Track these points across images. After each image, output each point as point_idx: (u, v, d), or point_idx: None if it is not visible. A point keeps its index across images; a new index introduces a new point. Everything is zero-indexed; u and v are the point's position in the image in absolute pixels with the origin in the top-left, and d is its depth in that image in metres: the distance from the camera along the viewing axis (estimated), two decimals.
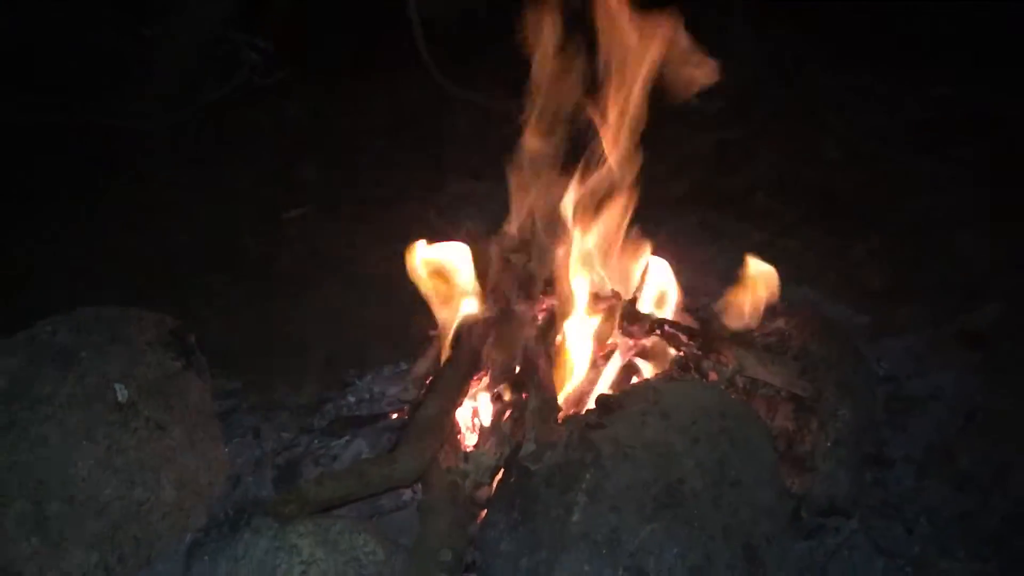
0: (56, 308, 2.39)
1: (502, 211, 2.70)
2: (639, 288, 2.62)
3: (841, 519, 2.25)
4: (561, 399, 2.32)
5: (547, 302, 2.66)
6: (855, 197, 3.95)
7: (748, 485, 1.97)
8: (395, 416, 2.57)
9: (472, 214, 3.61)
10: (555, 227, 2.58)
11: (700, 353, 2.39)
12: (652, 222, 2.71)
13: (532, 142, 2.54)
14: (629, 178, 2.51)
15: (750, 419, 2.17)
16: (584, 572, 1.79)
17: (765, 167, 4.10)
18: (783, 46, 5.25)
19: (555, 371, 2.41)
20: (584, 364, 2.48)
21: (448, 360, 2.45)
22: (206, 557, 2.07)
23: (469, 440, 2.37)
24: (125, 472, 2.11)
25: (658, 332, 2.48)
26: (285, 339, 3.06)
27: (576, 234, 2.56)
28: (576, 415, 2.18)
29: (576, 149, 2.56)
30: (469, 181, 4.11)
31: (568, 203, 2.55)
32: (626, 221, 2.56)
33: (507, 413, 2.34)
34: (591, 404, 2.19)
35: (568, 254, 2.54)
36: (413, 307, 2.63)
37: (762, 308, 2.59)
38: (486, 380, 2.49)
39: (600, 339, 2.51)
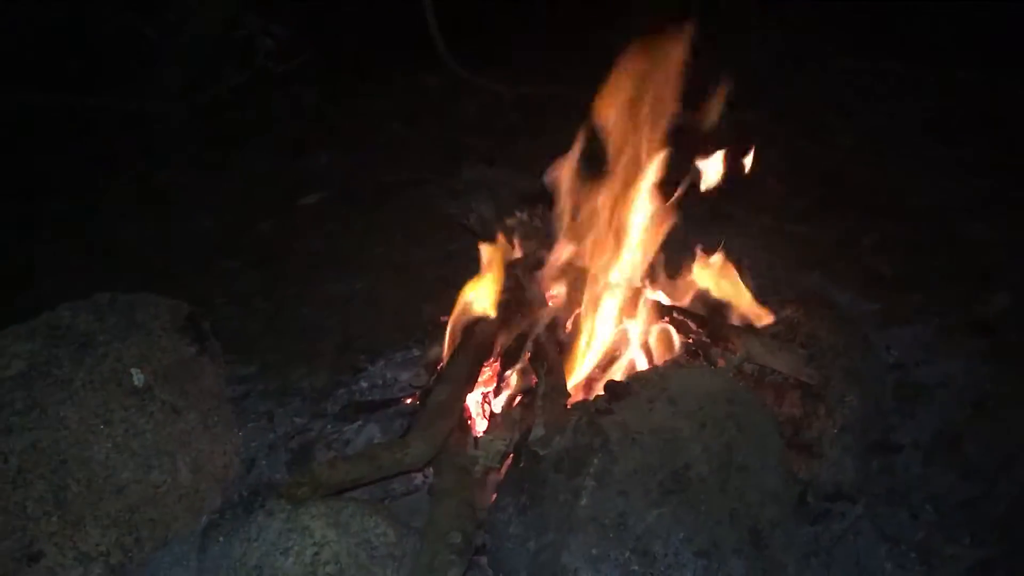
0: (74, 294, 2.42)
1: (514, 196, 2.70)
2: (649, 275, 2.63)
3: (847, 504, 2.26)
4: (570, 385, 2.34)
5: (557, 289, 2.68)
6: (866, 185, 3.95)
7: (754, 470, 1.98)
8: (407, 402, 2.59)
9: (484, 198, 3.63)
10: (565, 216, 2.60)
11: (708, 340, 2.41)
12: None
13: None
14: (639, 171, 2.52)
15: (757, 405, 2.18)
16: (591, 555, 1.81)
17: (776, 153, 4.09)
18: (798, 32, 5.23)
19: (564, 357, 2.43)
20: (594, 351, 2.50)
21: (459, 346, 2.47)
22: (221, 538, 2.09)
23: (480, 425, 2.40)
24: (142, 455, 2.15)
25: (667, 319, 2.50)
26: (299, 325, 3.09)
27: (587, 223, 2.57)
28: (585, 401, 2.19)
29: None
30: (482, 166, 4.13)
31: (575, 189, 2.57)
32: (635, 210, 2.56)
33: (517, 399, 2.38)
34: (600, 390, 2.21)
35: (580, 244, 2.56)
36: (425, 293, 2.64)
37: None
38: (496, 366, 2.52)
39: (610, 325, 2.53)
